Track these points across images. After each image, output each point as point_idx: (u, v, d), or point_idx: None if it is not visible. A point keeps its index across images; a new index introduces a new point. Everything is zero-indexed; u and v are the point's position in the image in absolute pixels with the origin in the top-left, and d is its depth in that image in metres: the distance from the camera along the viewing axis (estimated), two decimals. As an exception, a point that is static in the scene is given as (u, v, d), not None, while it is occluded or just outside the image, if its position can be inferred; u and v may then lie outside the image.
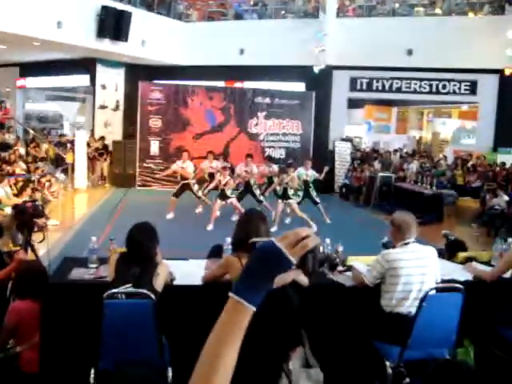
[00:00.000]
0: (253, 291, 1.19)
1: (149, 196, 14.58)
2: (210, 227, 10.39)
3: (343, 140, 17.67)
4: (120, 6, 15.79)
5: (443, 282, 3.82)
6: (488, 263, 4.68)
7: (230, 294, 1.19)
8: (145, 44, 16.82)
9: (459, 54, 15.87)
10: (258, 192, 11.52)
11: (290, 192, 10.88)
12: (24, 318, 3.68)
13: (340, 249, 4.50)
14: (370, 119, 21.20)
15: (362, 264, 4.22)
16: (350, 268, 4.28)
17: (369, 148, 18.82)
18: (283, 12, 18.99)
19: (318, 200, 11.72)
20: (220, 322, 1.19)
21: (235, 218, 10.91)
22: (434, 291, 3.55)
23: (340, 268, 4.35)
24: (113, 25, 15.47)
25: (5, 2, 12.65)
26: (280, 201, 11.01)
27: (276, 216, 10.76)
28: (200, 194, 11.75)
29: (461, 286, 3.59)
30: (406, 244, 3.77)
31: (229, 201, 10.87)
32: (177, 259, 4.46)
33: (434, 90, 17.09)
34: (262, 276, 1.19)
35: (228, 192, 10.79)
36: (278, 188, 11.33)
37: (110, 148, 17.22)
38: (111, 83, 18.51)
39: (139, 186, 16.17)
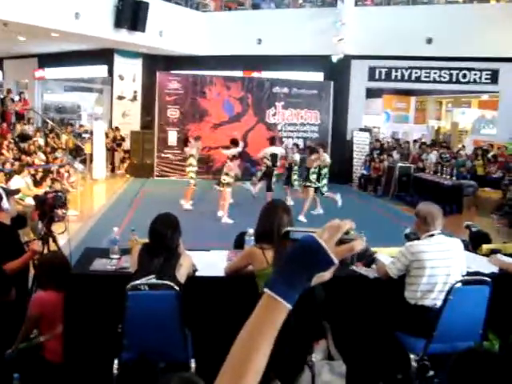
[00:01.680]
0: (290, 288, 1.11)
1: (167, 186, 14.59)
2: (224, 219, 10.36)
3: (361, 130, 17.54)
4: (137, -4, 15.77)
5: (468, 274, 3.76)
6: (513, 255, 4.60)
7: (266, 290, 1.12)
8: (162, 34, 16.79)
9: (480, 42, 15.60)
10: (273, 179, 11.74)
11: (312, 177, 10.83)
12: (47, 308, 3.69)
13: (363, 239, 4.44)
14: (388, 109, 21.01)
15: (386, 255, 4.17)
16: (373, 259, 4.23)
17: (387, 138, 18.65)
18: (301, 1, 18.83)
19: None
20: (253, 318, 1.13)
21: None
22: (459, 284, 3.50)
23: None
24: (130, 15, 15.45)
25: (23, -7, 12.68)
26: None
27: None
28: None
29: (487, 279, 3.53)
30: (431, 236, 3.71)
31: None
32: (198, 250, 4.45)
33: (453, 79, 16.85)
34: (300, 273, 1.12)
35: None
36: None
37: (128, 138, 17.28)
38: (129, 74, 18.53)
39: (157, 176, 16.21)
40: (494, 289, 3.54)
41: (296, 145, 13.49)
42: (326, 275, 1.16)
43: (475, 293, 3.55)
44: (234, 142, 11.50)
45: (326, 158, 11.25)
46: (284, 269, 1.13)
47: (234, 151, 11.11)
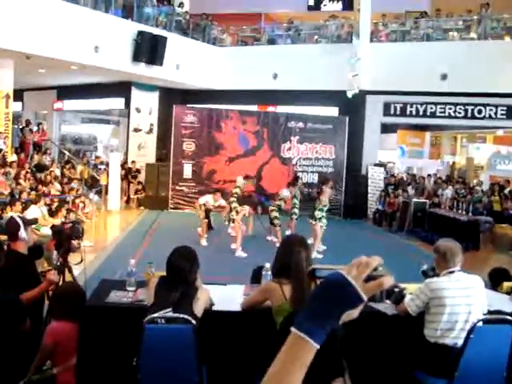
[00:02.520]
0: (318, 327, 1.08)
1: (181, 219, 14.60)
2: (238, 253, 10.26)
3: (376, 165, 17.52)
4: (156, 31, 16.08)
5: (490, 313, 3.68)
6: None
7: (293, 330, 1.10)
8: (179, 68, 17.05)
9: (495, 78, 15.66)
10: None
11: (316, 213, 10.57)
12: (61, 339, 3.66)
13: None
14: (403, 144, 21.01)
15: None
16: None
17: (402, 173, 18.61)
18: (316, 37, 19.06)
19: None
20: (281, 357, 1.11)
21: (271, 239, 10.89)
22: (481, 323, 3.42)
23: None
24: (148, 49, 15.73)
25: (44, 27, 12.98)
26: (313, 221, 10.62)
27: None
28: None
29: (510, 318, 3.45)
30: (450, 273, 3.65)
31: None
32: (214, 284, 4.41)
33: (469, 114, 16.85)
34: (328, 312, 1.09)
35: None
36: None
37: (143, 171, 17.39)
38: (145, 106, 18.76)
39: (171, 208, 16.24)
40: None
41: (297, 177, 13.28)
42: (355, 313, 1.13)
43: (498, 332, 3.47)
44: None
45: (327, 194, 10.85)
46: (312, 307, 1.11)
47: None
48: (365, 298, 1.09)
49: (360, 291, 1.08)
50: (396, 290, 3.89)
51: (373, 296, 1.12)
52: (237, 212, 10.53)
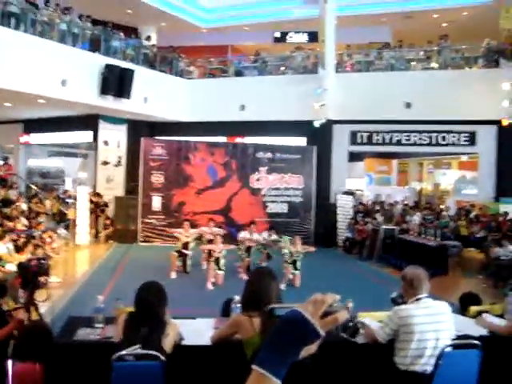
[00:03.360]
0: (278, 364, 1.12)
1: (151, 252, 14.46)
2: (209, 286, 10.14)
3: (345, 193, 17.69)
4: (123, 64, 16.12)
5: (458, 337, 3.72)
6: (501, 316, 4.58)
7: (254, 367, 1.13)
8: (147, 101, 17.08)
9: (457, 106, 16.13)
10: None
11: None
12: (27, 381, 3.56)
13: (350, 305, 4.40)
14: (370, 172, 21.33)
15: (374, 321, 4.13)
16: (361, 325, 4.18)
17: (371, 201, 18.84)
18: (283, 68, 19.35)
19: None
20: None
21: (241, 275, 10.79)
22: (450, 348, 3.46)
23: (351, 325, 4.25)
24: (116, 82, 15.74)
25: (11, 61, 12.91)
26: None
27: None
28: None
29: (478, 342, 3.50)
30: (418, 299, 3.70)
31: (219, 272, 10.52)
32: (183, 318, 4.37)
33: (433, 141, 17.22)
34: (288, 348, 1.13)
35: (221, 262, 10.52)
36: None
37: (112, 204, 17.23)
38: (113, 139, 18.69)
39: (141, 241, 16.07)
40: (484, 352, 3.50)
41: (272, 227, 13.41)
42: (313, 348, 1.17)
43: (466, 357, 3.51)
44: None
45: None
46: (272, 344, 1.15)
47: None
48: (322, 333, 1.14)
49: (317, 327, 1.13)
50: (351, 323, 3.94)
51: (329, 331, 1.18)
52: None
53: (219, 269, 10.44)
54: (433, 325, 3.57)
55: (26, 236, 12.04)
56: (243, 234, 11.88)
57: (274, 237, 12.18)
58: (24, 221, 13.52)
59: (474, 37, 17.42)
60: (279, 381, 1.11)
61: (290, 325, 1.14)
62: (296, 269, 10.49)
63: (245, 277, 10.04)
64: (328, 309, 1.18)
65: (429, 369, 3.50)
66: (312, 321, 1.13)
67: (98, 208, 17.14)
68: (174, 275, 10.97)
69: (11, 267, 8.48)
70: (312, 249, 11.11)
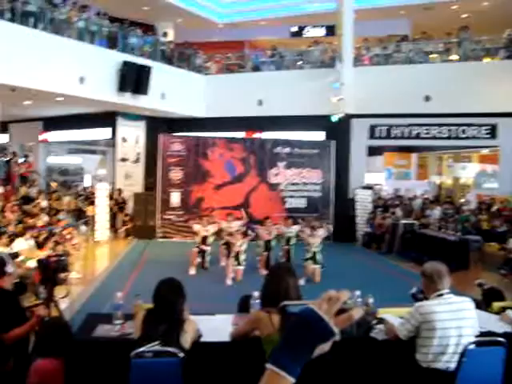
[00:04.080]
0: (292, 362, 1.12)
1: (170, 248, 14.51)
2: (228, 282, 10.14)
3: (364, 188, 17.58)
4: (140, 61, 16.16)
5: (481, 334, 3.66)
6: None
7: (268, 366, 1.12)
8: (165, 97, 17.09)
9: (477, 98, 15.91)
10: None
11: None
12: (47, 377, 3.57)
13: (370, 301, 4.36)
14: (389, 166, 21.14)
15: (394, 316, 4.07)
16: (381, 321, 4.13)
17: (390, 195, 18.69)
18: (300, 62, 19.26)
19: None
20: None
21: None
22: (473, 345, 3.39)
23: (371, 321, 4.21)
24: (133, 79, 15.77)
25: (29, 59, 13.00)
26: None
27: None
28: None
29: (502, 340, 3.42)
30: (440, 295, 3.63)
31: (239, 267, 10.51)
32: (202, 314, 4.35)
33: (453, 135, 17.01)
34: (302, 346, 1.12)
35: (241, 258, 10.53)
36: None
37: (131, 200, 17.32)
38: (132, 136, 18.78)
39: (160, 237, 16.14)
40: (509, 349, 3.43)
41: (288, 217, 13.33)
42: (326, 346, 1.15)
43: (490, 354, 3.44)
44: None
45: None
46: (286, 343, 1.14)
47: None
48: (336, 331, 1.12)
49: (332, 325, 1.12)
50: (365, 321, 3.90)
51: (343, 329, 1.16)
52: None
53: (239, 264, 10.43)
54: (455, 321, 3.50)
55: (47, 233, 12.15)
56: (259, 231, 11.82)
57: (294, 228, 12.01)
58: (44, 217, 13.64)
59: (494, 27, 17.11)
60: (293, 379, 1.11)
61: (303, 323, 1.13)
62: (316, 263, 10.43)
63: (264, 272, 10.04)
64: (342, 306, 1.15)
65: (451, 366, 3.44)
66: (326, 319, 1.12)
67: (117, 205, 17.24)
68: (193, 271, 10.98)
69: (32, 263, 8.54)
70: (330, 227, 11.12)
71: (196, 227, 11.81)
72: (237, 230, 11.24)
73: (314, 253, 10.47)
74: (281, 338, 1.16)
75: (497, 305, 4.65)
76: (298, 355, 1.12)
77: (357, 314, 1.16)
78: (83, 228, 14.67)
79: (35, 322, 4.09)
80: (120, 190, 17.79)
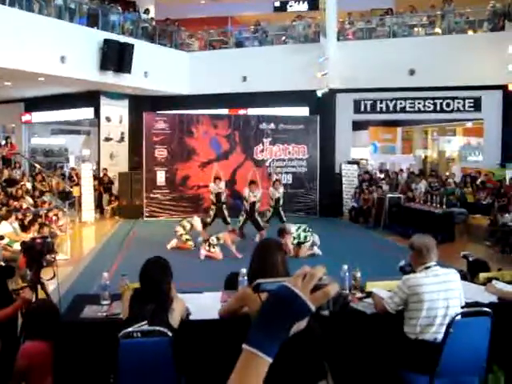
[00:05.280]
0: (269, 341, 1.09)
1: (157, 227, 14.47)
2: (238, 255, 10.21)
3: (350, 163, 17.61)
4: (122, 39, 15.94)
5: (467, 305, 3.69)
6: (510, 283, 4.53)
7: (244, 346, 1.10)
8: (148, 75, 16.92)
9: (461, 71, 15.91)
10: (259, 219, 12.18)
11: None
12: (35, 360, 3.56)
13: (358, 274, 4.39)
14: (375, 140, 21.15)
15: (383, 290, 4.10)
16: (369, 294, 4.15)
17: (376, 169, 18.73)
18: (284, 38, 19.11)
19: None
20: (236, 374, 1.10)
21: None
22: (460, 316, 3.42)
23: (359, 295, 4.23)
24: (115, 57, 15.59)
25: (9, 39, 12.77)
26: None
27: None
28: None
29: (488, 310, 3.46)
30: (427, 268, 3.65)
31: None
32: (190, 292, 4.35)
33: (438, 108, 17.06)
34: (278, 325, 1.10)
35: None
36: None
37: (116, 180, 17.21)
38: (115, 115, 18.60)
39: (147, 216, 16.08)
40: (494, 319, 3.47)
41: (278, 180, 13.45)
42: (303, 323, 1.14)
43: (476, 325, 3.48)
44: None
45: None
46: (261, 322, 1.12)
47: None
48: (313, 308, 1.10)
49: (308, 302, 1.09)
50: (340, 297, 3.91)
51: (320, 305, 1.13)
52: (218, 239, 10.56)
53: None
54: (442, 293, 3.52)
55: (32, 215, 12.05)
56: (245, 193, 12.23)
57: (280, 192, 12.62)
58: (29, 200, 13.52)
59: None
60: (271, 359, 1.09)
61: (279, 301, 1.11)
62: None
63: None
64: (318, 282, 1.13)
65: (439, 337, 3.47)
66: (302, 296, 1.09)
67: (102, 185, 17.13)
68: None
69: (18, 246, 8.47)
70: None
71: (246, 192, 12.16)
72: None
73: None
74: (256, 316, 1.14)
75: (483, 275, 4.69)
76: (275, 334, 1.09)
77: (333, 290, 1.13)
78: (69, 209, 14.57)
79: (20, 304, 4.07)
80: (106, 170, 17.65)
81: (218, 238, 10.48)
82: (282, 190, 12.79)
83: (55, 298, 4.89)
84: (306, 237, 10.49)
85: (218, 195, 12.48)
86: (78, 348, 3.68)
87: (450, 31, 17.15)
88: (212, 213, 12.53)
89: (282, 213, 12.54)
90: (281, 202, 12.63)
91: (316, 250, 10.51)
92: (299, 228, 10.60)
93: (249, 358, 1.09)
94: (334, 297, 1.14)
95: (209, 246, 10.40)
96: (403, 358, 3.59)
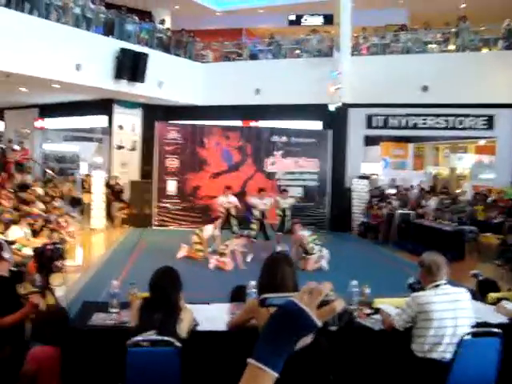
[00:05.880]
0: (274, 356, 1.10)
1: (166, 236, 14.49)
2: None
3: (360, 178, 17.57)
4: (137, 48, 16.07)
5: (477, 325, 3.66)
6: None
7: (250, 361, 1.11)
8: (161, 85, 17.01)
9: (475, 89, 15.88)
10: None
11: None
12: (44, 365, 3.58)
13: (367, 290, 4.37)
14: (386, 156, 21.12)
15: (391, 307, 4.08)
16: (377, 311, 4.13)
17: (386, 185, 18.68)
18: (298, 51, 19.17)
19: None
20: None
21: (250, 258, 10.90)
22: (469, 336, 3.40)
23: (367, 311, 4.22)
24: (130, 66, 15.69)
25: (25, 46, 12.92)
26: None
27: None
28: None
29: (498, 331, 3.43)
30: (436, 286, 3.63)
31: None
32: (198, 303, 4.35)
33: (450, 125, 16.98)
34: (284, 340, 1.11)
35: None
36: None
37: (127, 188, 17.26)
38: (128, 124, 18.70)
39: (156, 225, 16.11)
40: (504, 339, 3.44)
41: (285, 190, 13.39)
42: (308, 338, 1.14)
43: (485, 345, 3.45)
44: None
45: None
46: (267, 336, 1.13)
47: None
48: (319, 323, 1.11)
49: (314, 317, 1.11)
50: (346, 312, 3.90)
51: (326, 321, 1.15)
52: (226, 246, 10.59)
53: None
54: (451, 312, 3.51)
55: (43, 220, 12.11)
56: (254, 200, 12.16)
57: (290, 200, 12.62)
58: (40, 205, 13.59)
59: (493, 18, 17.06)
60: (276, 373, 1.09)
61: (285, 316, 1.12)
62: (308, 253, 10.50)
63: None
64: (324, 298, 1.14)
65: (447, 356, 3.44)
66: (309, 311, 1.11)
67: (113, 193, 17.18)
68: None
69: (28, 251, 8.53)
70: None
71: (255, 200, 12.18)
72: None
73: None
74: (262, 331, 1.14)
75: (492, 295, 4.66)
76: (280, 348, 1.10)
77: (339, 306, 1.15)
78: (77, 215, 14.62)
79: (29, 309, 4.08)
80: (117, 178, 17.72)
81: (226, 246, 10.51)
82: (290, 201, 12.66)
83: (63, 304, 4.92)
84: (313, 248, 10.48)
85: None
86: (86, 355, 3.69)
87: (464, 48, 17.13)
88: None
89: (267, 230, 12.07)
90: (287, 213, 12.39)
91: (323, 264, 10.46)
92: (310, 236, 10.62)
93: (254, 373, 1.09)
94: (340, 312, 1.16)
95: (219, 255, 10.43)
96: (410, 375, 3.57)
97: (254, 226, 11.87)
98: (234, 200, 12.32)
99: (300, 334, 1.11)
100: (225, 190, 12.56)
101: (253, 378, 1.10)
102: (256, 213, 12.02)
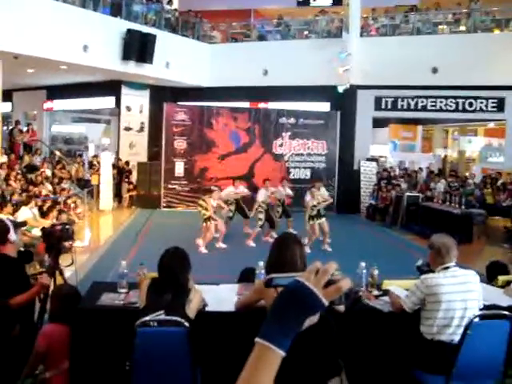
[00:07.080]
0: (282, 335, 1.11)
1: (174, 217, 14.53)
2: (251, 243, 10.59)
3: (368, 160, 17.50)
4: (145, 29, 15.98)
5: (486, 308, 3.65)
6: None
7: (257, 340, 1.11)
8: (169, 66, 16.94)
9: (485, 71, 15.69)
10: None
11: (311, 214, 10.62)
12: (55, 342, 3.62)
13: (375, 272, 4.36)
14: (395, 138, 21.00)
15: (400, 288, 4.07)
16: (386, 293, 4.13)
17: (394, 167, 18.60)
18: (306, 32, 19.02)
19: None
20: (249, 367, 1.12)
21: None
22: (478, 318, 3.39)
23: (376, 292, 4.21)
24: (138, 47, 15.63)
25: (32, 27, 12.87)
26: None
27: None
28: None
29: (507, 313, 3.42)
30: (445, 268, 3.61)
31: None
32: (207, 284, 4.36)
33: (460, 107, 16.85)
34: (291, 319, 1.11)
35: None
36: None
37: (135, 170, 17.29)
38: (136, 105, 18.67)
39: (164, 207, 16.16)
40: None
41: (285, 178, 13.29)
42: (315, 318, 1.14)
43: (494, 328, 3.44)
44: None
45: (322, 194, 10.99)
46: (274, 316, 1.13)
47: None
48: (326, 303, 1.12)
49: (321, 297, 1.11)
50: (352, 292, 3.90)
51: (332, 300, 1.15)
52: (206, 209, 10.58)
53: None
54: (460, 294, 3.49)
55: (51, 201, 12.16)
56: (262, 193, 11.67)
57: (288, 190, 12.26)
58: (49, 186, 13.64)
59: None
60: (283, 352, 1.10)
61: (292, 295, 1.13)
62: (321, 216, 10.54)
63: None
64: (330, 277, 1.15)
65: (456, 338, 3.44)
66: (315, 291, 1.11)
67: (121, 174, 17.21)
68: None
69: (37, 232, 8.57)
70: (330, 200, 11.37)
71: (263, 193, 11.78)
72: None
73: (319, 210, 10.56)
74: (269, 311, 1.15)
75: (502, 278, 4.63)
76: (288, 328, 1.11)
77: (346, 285, 1.15)
78: (85, 197, 14.67)
79: (38, 289, 4.10)
80: (127, 162, 17.72)
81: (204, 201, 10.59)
82: (286, 191, 12.13)
83: (72, 284, 4.94)
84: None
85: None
86: (95, 334, 3.72)
87: (475, 29, 16.91)
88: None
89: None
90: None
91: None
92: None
93: (261, 351, 1.10)
94: (346, 292, 1.16)
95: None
96: (418, 357, 3.57)
97: (261, 216, 11.68)
98: (242, 190, 12.00)
99: (307, 314, 1.12)
100: (234, 182, 12.29)
101: (260, 357, 1.10)
102: (263, 204, 11.61)
